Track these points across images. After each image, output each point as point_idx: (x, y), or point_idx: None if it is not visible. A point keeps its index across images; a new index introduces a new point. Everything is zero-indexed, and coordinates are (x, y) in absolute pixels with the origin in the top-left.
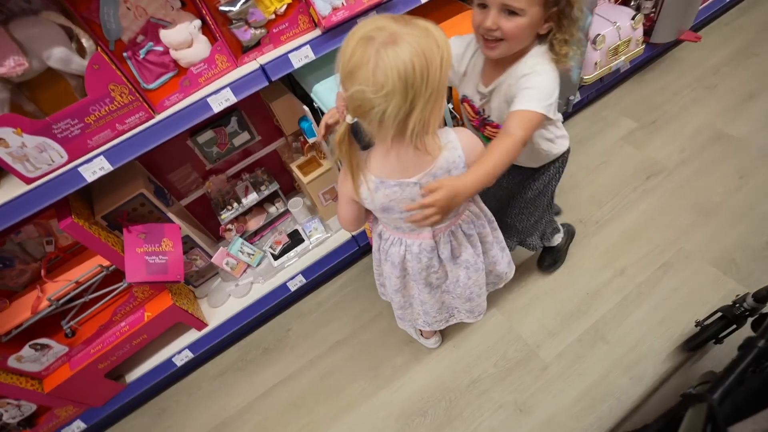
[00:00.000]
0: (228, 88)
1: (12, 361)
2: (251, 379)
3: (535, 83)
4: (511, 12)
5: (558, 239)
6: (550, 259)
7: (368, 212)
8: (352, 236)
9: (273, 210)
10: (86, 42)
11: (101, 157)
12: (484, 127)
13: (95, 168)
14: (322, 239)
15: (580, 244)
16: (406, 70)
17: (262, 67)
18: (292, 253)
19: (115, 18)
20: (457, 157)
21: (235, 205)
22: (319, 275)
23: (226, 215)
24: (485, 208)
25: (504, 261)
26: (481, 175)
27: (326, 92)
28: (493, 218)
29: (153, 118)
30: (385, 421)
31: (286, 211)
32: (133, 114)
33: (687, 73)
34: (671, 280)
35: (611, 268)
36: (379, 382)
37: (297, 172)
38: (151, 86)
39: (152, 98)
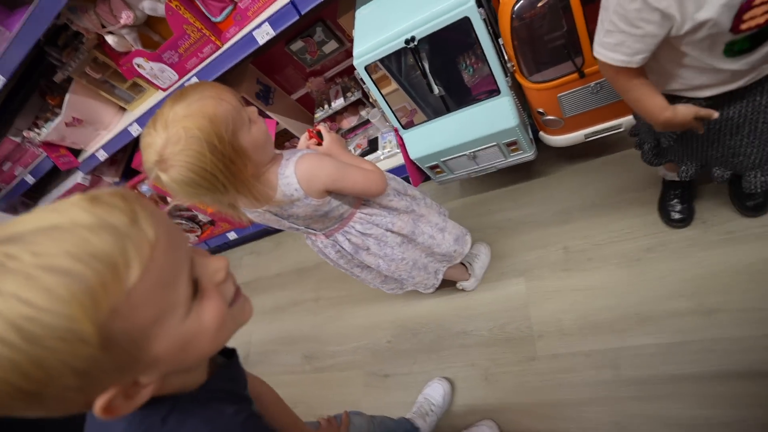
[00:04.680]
0: (267, 23)
1: None
2: None
3: None
4: None
5: None
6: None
7: None
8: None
9: (363, 113)
10: None
11: (195, 77)
12: None
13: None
14: (391, 153)
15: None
16: (191, 181)
17: (292, 1)
18: (367, 159)
19: None
20: (294, 190)
21: (326, 106)
22: None
23: (318, 114)
24: (403, 203)
25: (447, 241)
26: None
27: (365, 17)
28: (417, 204)
29: (220, 48)
30: (388, 323)
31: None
32: (206, 46)
33: None
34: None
35: (696, 302)
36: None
37: None
38: (218, 19)
39: (221, 27)
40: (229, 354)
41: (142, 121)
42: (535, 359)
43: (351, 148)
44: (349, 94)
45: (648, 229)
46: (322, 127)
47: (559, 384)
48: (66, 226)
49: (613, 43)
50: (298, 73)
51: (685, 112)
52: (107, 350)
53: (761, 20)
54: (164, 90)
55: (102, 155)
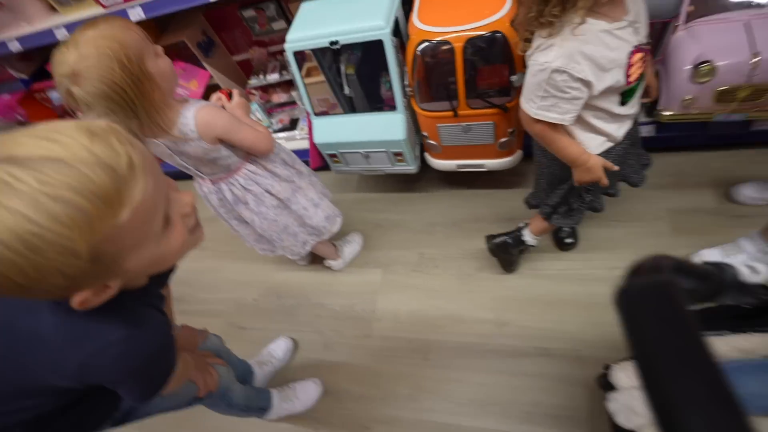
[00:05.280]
0: None
1: None
2: None
3: None
4: None
5: None
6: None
7: None
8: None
9: (294, 94)
10: None
11: (140, 6)
12: (648, 57)
13: (135, 14)
14: (307, 136)
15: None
16: (103, 94)
17: None
18: (283, 134)
19: None
20: (190, 131)
21: (261, 76)
22: None
23: (252, 81)
24: (286, 172)
25: (318, 216)
26: None
27: (308, 10)
28: (301, 178)
29: None
30: (259, 284)
31: None
32: None
33: None
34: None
35: (496, 315)
36: (276, 259)
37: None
38: None
39: None
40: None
41: (72, 27)
42: (370, 337)
43: (274, 121)
44: (284, 72)
45: (485, 254)
46: (235, 91)
47: (382, 359)
48: (69, 161)
49: (549, 105)
50: (244, 37)
51: (596, 160)
52: (93, 263)
53: (636, 74)
54: (104, 7)
55: (15, 46)
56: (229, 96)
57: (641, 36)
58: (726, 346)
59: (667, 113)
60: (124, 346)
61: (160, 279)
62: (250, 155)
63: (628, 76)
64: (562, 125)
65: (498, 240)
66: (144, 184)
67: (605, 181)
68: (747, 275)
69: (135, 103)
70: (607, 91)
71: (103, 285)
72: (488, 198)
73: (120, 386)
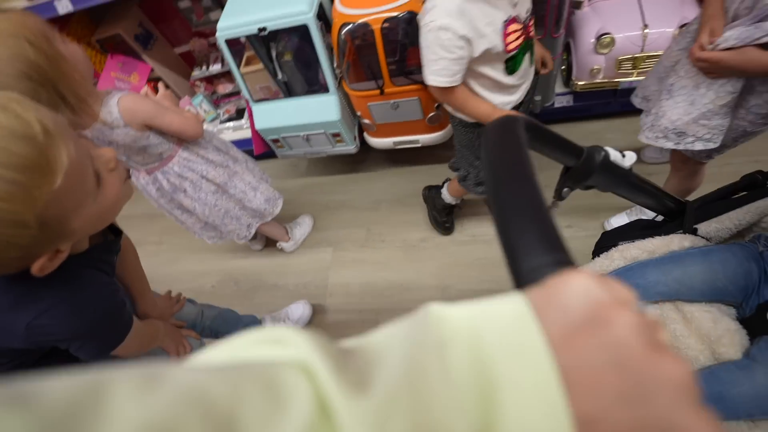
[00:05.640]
0: None
1: None
2: None
3: None
4: None
5: None
6: None
7: None
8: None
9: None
10: None
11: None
12: (528, 31)
13: (63, 6)
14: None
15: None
16: (19, 73)
17: None
18: (230, 124)
19: None
20: (115, 119)
21: (204, 68)
22: None
23: (195, 73)
24: (219, 158)
25: (258, 199)
26: None
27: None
28: (237, 164)
29: None
30: (217, 271)
31: None
32: None
33: None
34: None
35: (439, 281)
36: (230, 247)
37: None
38: None
39: None
40: (117, 232)
41: None
42: (324, 312)
43: (221, 112)
44: (227, 63)
45: (427, 226)
46: (160, 83)
47: (335, 331)
48: None
49: (439, 69)
50: (184, 29)
51: (508, 112)
52: (42, 230)
53: (516, 44)
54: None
55: None
56: (155, 90)
57: (520, 11)
58: (637, 249)
59: (581, 83)
60: (68, 306)
61: (107, 245)
62: (182, 142)
63: (506, 44)
64: (461, 89)
65: (431, 191)
66: (66, 148)
67: None
68: (618, 159)
69: (57, 83)
70: (488, 57)
71: (55, 250)
72: (428, 173)
73: (71, 345)
